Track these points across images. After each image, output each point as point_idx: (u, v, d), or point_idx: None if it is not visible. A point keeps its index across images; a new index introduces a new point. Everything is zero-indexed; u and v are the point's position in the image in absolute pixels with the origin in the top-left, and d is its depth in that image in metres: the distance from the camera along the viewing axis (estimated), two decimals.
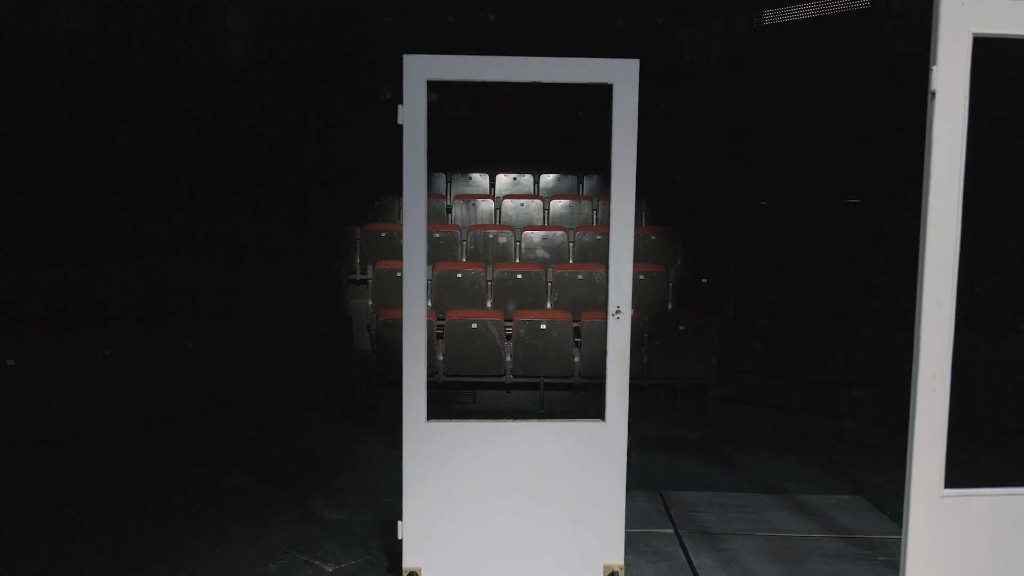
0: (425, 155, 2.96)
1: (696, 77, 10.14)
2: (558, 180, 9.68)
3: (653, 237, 8.11)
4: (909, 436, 2.66)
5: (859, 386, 6.06)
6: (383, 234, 8.12)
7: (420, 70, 2.95)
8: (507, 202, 8.93)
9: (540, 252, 8.12)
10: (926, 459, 2.64)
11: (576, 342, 6.67)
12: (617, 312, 3.09)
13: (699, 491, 4.61)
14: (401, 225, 3.19)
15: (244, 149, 7.88)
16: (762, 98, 9.46)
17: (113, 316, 5.50)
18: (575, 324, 6.77)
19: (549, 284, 7.42)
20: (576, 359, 6.64)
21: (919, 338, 2.61)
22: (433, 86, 2.99)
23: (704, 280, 7.39)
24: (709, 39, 10.23)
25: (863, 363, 6.22)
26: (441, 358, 6.65)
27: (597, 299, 7.28)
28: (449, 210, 8.99)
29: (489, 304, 7.28)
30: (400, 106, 2.95)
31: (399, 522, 3.19)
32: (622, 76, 2.95)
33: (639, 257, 8.19)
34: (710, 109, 9.72)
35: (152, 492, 4.51)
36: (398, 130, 2.97)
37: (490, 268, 7.46)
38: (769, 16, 9.80)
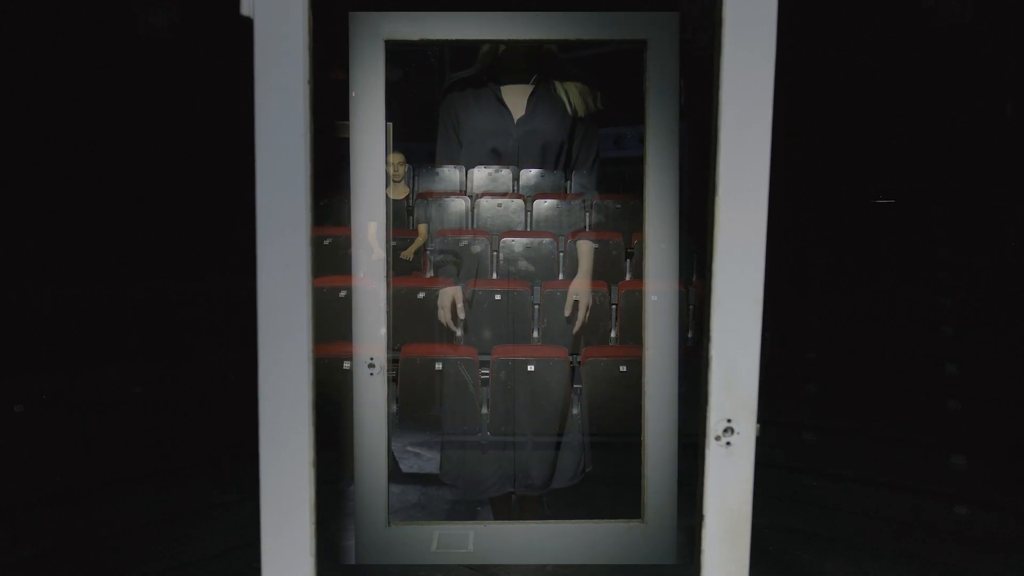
0: (305, 62, 1.32)
1: (699, 57, 8.67)
2: (541, 176, 8.05)
3: (663, 246, 6.50)
4: None
5: (957, 449, 4.52)
6: (327, 241, 6.41)
7: None
8: (483, 201, 7.28)
9: (523, 264, 6.48)
10: None
11: (576, 388, 5.05)
12: (728, 429, 1.47)
13: None
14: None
15: (143, 133, 6.13)
16: (775, 80, 8.02)
17: None
18: (572, 358, 5.18)
19: (536, 307, 5.79)
20: (575, 411, 5.03)
21: None
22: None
23: None
24: (713, 13, 8.82)
25: (954, 414, 4.71)
26: (395, 409, 4.99)
27: (599, 327, 5.66)
28: (410, 211, 7.30)
29: (459, 334, 5.63)
30: None
31: None
32: None
33: (646, 273, 6.68)
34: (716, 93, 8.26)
35: None
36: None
37: (461, 285, 5.80)
38: None
